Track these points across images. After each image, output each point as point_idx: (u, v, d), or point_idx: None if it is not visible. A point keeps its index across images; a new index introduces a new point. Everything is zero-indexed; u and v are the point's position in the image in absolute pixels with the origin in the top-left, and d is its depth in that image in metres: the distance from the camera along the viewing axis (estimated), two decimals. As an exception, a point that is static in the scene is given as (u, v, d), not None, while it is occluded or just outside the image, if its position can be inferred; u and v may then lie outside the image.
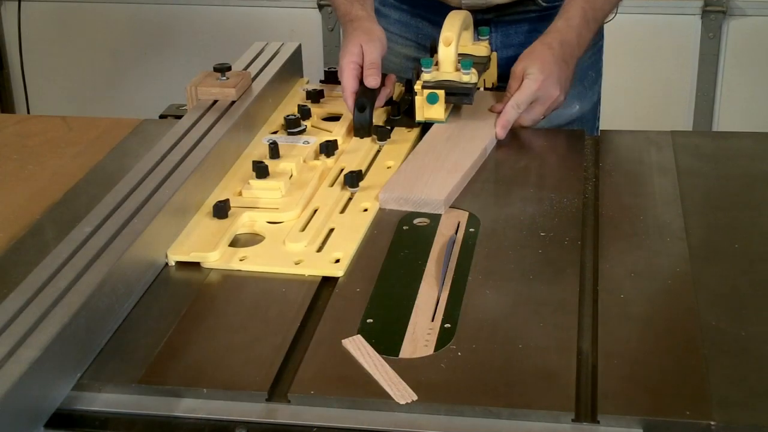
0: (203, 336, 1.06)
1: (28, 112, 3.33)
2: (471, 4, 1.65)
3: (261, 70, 1.62)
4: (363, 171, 1.38)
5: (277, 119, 1.55)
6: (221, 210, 1.26)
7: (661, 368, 0.98)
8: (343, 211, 1.30)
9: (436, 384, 0.97)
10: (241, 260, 1.19)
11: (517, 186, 1.36)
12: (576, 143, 1.48)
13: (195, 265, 1.19)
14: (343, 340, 1.03)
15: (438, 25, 1.50)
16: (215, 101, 1.51)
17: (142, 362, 1.02)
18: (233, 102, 1.50)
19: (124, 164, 1.40)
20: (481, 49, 1.57)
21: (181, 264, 1.19)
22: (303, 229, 1.24)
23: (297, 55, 1.71)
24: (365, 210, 1.29)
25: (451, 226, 1.25)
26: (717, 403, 0.93)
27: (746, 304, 1.09)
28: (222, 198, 1.28)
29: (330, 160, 1.41)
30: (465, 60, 1.47)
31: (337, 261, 1.18)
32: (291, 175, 1.35)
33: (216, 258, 1.19)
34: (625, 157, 1.43)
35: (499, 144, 1.48)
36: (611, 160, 1.42)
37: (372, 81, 1.50)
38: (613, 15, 1.64)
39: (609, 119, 2.38)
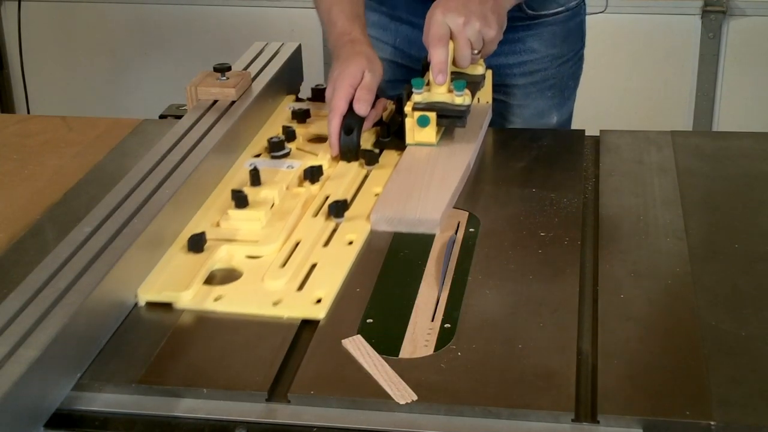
0: (203, 337, 1.07)
1: (28, 112, 3.33)
2: None
3: (261, 70, 1.62)
4: (349, 199, 1.31)
5: (261, 140, 1.47)
6: (197, 243, 1.18)
7: (661, 368, 0.98)
8: (327, 243, 1.22)
9: (436, 384, 0.97)
10: (216, 300, 1.11)
11: (517, 186, 1.36)
12: (576, 143, 1.48)
13: (166, 306, 1.11)
14: (343, 341, 1.03)
15: (418, 27, 1.47)
16: (215, 101, 1.51)
17: (142, 362, 1.02)
18: (233, 102, 1.50)
19: (124, 164, 1.40)
20: (476, 67, 1.48)
21: (151, 304, 1.12)
22: (283, 265, 1.16)
23: (297, 55, 1.71)
24: (350, 243, 1.22)
25: (451, 226, 1.25)
26: (717, 403, 0.93)
27: (746, 304, 1.09)
28: (199, 230, 1.21)
29: (315, 187, 1.34)
30: (458, 80, 1.40)
31: (319, 301, 1.10)
32: (273, 204, 1.28)
33: (189, 298, 1.11)
34: (625, 157, 1.43)
35: (500, 144, 1.48)
36: (611, 160, 1.42)
37: (363, 107, 1.42)
38: (604, 8, 1.63)
39: (609, 119, 2.38)
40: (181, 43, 3.23)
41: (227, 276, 1.17)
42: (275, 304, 1.10)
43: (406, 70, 1.72)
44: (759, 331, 1.04)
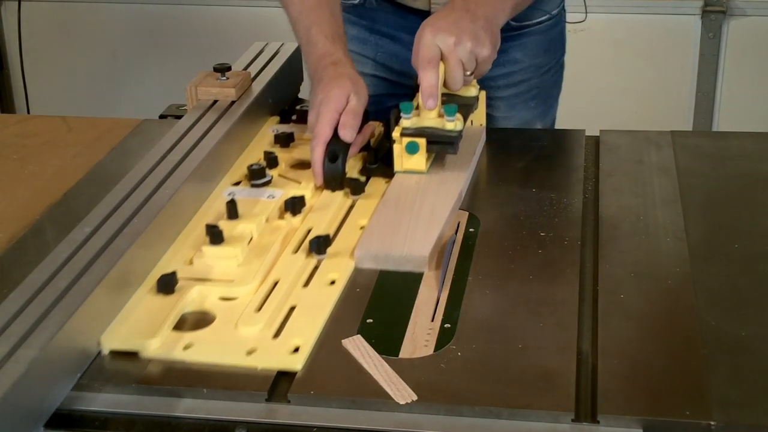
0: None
1: (28, 112, 3.33)
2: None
3: (261, 71, 1.62)
4: (333, 232, 1.23)
5: (242, 166, 1.39)
6: (167, 284, 1.10)
7: (661, 368, 0.98)
8: (307, 283, 1.13)
9: (436, 384, 0.97)
10: (185, 348, 1.03)
11: (517, 186, 1.36)
12: (576, 143, 1.48)
13: (132, 355, 1.03)
14: (343, 340, 1.03)
15: (399, 41, 1.45)
16: (215, 101, 1.51)
17: (142, 362, 1.02)
18: (233, 102, 1.50)
19: (124, 164, 1.40)
20: (469, 88, 1.40)
21: (116, 353, 1.03)
22: (259, 308, 1.08)
23: (297, 55, 1.71)
24: (332, 282, 1.13)
25: (451, 226, 1.25)
26: (717, 403, 0.93)
27: (746, 304, 1.09)
28: (170, 268, 1.13)
29: (296, 219, 1.25)
30: (449, 104, 1.31)
31: (296, 350, 1.02)
32: (251, 239, 1.20)
33: (157, 346, 1.03)
34: (625, 157, 1.43)
35: (500, 144, 1.48)
36: (611, 160, 1.42)
37: (349, 134, 1.33)
38: (584, 18, 1.59)
39: (609, 119, 2.38)
40: (181, 43, 3.23)
41: (199, 320, 1.08)
42: (249, 353, 1.01)
43: (388, 83, 1.69)
44: (759, 331, 1.04)
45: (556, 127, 1.80)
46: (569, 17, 1.79)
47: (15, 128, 1.63)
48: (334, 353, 1.02)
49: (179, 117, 1.52)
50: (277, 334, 1.04)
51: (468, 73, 1.34)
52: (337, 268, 1.16)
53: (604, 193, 1.33)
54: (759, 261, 1.18)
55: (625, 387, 0.96)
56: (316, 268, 1.16)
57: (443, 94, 1.35)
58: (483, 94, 1.45)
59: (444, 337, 1.04)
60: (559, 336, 1.03)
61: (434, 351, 1.02)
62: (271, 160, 1.38)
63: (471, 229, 1.25)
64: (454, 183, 1.32)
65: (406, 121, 1.32)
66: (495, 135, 1.53)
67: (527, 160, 1.44)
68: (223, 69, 1.54)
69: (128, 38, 3.30)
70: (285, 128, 1.50)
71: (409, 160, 1.34)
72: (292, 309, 1.08)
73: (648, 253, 1.18)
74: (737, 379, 0.97)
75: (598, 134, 1.50)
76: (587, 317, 1.08)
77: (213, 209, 1.29)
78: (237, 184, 1.36)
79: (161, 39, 3.27)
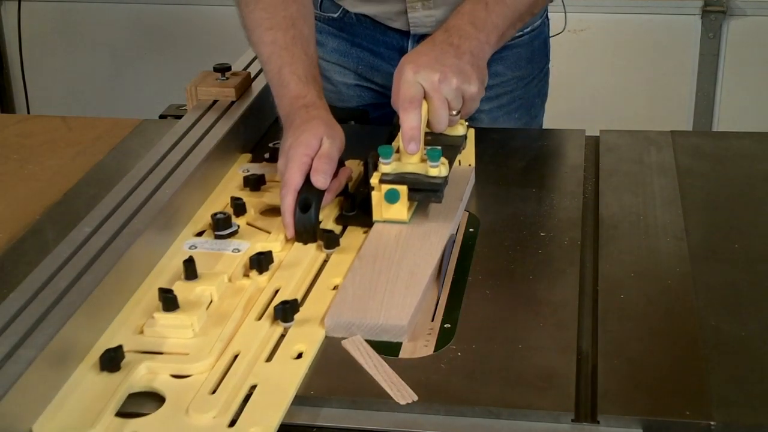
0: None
1: (28, 112, 3.33)
2: (422, 32, 1.53)
3: (261, 70, 1.62)
4: (303, 293, 1.11)
5: (205, 214, 1.26)
6: (111, 361, 0.98)
7: (661, 368, 0.98)
8: (270, 357, 1.01)
9: (436, 384, 0.97)
10: None
11: (517, 186, 1.36)
12: (576, 143, 1.48)
13: None
14: (343, 341, 1.03)
15: (381, 56, 1.39)
16: (215, 101, 1.51)
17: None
18: (233, 102, 1.50)
19: (124, 164, 1.40)
20: (457, 127, 1.28)
21: None
22: (214, 390, 0.95)
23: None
24: (299, 355, 1.01)
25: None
26: (717, 403, 0.93)
27: (746, 304, 1.09)
28: (116, 339, 1.02)
29: (262, 278, 1.13)
30: (433, 148, 1.19)
31: None
32: (210, 302, 1.08)
33: None
34: (625, 157, 1.43)
35: (499, 144, 1.48)
36: (611, 160, 1.42)
37: (322, 180, 1.21)
38: (563, 29, 1.54)
39: (609, 119, 2.38)
40: (181, 43, 3.23)
41: (147, 403, 0.96)
42: None
43: (374, 93, 1.65)
44: (759, 331, 1.04)
45: (556, 127, 1.80)
46: (568, 23, 1.78)
47: (15, 128, 1.63)
48: (335, 353, 1.02)
49: (179, 117, 1.52)
50: (233, 423, 0.92)
51: (454, 112, 1.24)
52: (306, 338, 1.03)
53: (604, 193, 1.33)
54: (759, 261, 1.18)
55: (625, 387, 0.96)
56: (283, 335, 1.04)
57: (427, 133, 1.24)
58: (472, 132, 1.34)
59: (444, 337, 1.04)
60: (559, 336, 1.03)
61: (434, 351, 1.02)
62: (238, 207, 1.26)
63: (471, 229, 1.25)
64: (438, 235, 1.19)
65: (386, 167, 1.20)
66: (495, 135, 1.53)
67: (527, 160, 1.44)
68: (223, 69, 1.55)
69: (128, 38, 3.30)
70: (256, 168, 1.38)
71: (389, 210, 1.21)
72: (253, 388, 0.96)
73: (648, 253, 1.18)
74: (737, 379, 0.97)
75: (598, 134, 1.50)
76: (587, 317, 1.08)
77: (172, 265, 1.16)
78: (200, 234, 1.24)
79: (161, 39, 3.27)
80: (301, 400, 0.96)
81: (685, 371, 0.98)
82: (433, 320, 1.07)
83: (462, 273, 1.15)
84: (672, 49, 3.01)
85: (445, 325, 1.06)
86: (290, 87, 1.33)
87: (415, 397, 0.95)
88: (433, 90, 1.21)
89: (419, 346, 1.02)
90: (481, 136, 1.38)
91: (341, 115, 1.39)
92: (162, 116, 1.65)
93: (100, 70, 3.36)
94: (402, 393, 0.95)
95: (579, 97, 2.98)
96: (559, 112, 1.84)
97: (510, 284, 1.13)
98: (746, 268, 1.16)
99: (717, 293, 1.11)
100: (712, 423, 0.91)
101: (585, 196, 1.32)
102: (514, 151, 1.47)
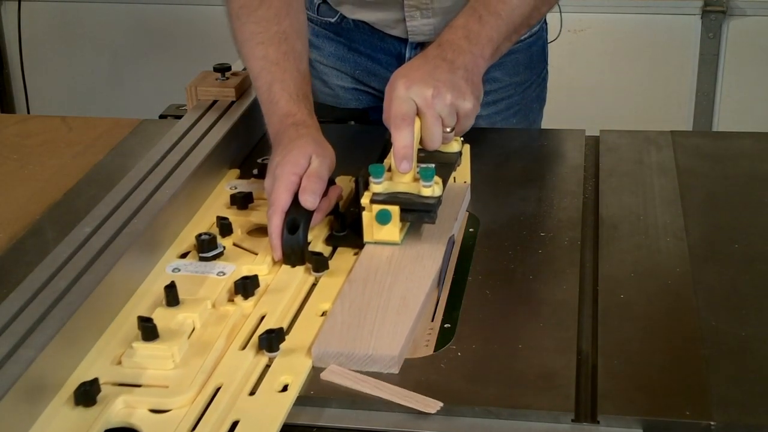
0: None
1: (28, 112, 3.33)
2: (420, 40, 1.52)
3: (261, 70, 1.61)
4: (290, 319, 1.07)
5: (190, 234, 1.21)
6: (86, 395, 0.93)
7: (661, 368, 0.98)
8: (254, 391, 0.95)
9: (436, 384, 0.97)
10: None
11: (517, 186, 1.36)
12: (576, 143, 1.48)
13: None
14: (321, 374, 0.98)
15: (378, 62, 1.38)
16: (215, 101, 1.51)
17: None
18: (233, 102, 1.50)
19: (124, 164, 1.40)
20: (452, 144, 1.24)
21: None
22: (194, 427, 0.90)
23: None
24: (284, 388, 0.96)
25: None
26: (717, 403, 0.93)
27: (746, 304, 1.09)
28: (92, 372, 0.96)
29: (248, 304, 1.08)
30: (426, 166, 1.15)
31: None
32: (192, 330, 1.03)
33: None
34: (625, 157, 1.43)
35: (500, 144, 1.48)
36: (611, 160, 1.42)
37: (310, 200, 1.17)
38: (557, 35, 1.53)
39: (609, 119, 2.37)
40: (181, 43, 3.23)
41: None
42: None
43: (372, 96, 1.64)
44: (759, 331, 1.04)
45: (556, 127, 1.80)
46: (568, 24, 1.78)
47: (15, 128, 1.63)
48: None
49: (179, 117, 1.52)
50: None
51: (448, 129, 1.20)
52: (291, 369, 0.98)
53: (604, 193, 1.33)
54: (759, 261, 1.18)
55: (625, 387, 0.96)
56: (268, 366, 0.99)
57: (420, 150, 1.19)
58: (467, 148, 1.29)
59: (444, 337, 1.03)
60: (559, 336, 1.03)
61: (434, 351, 1.02)
62: (224, 228, 1.21)
63: (471, 229, 1.25)
64: (432, 258, 1.15)
65: (377, 186, 1.15)
66: (495, 135, 1.53)
67: (527, 160, 1.44)
68: (223, 69, 1.55)
69: (128, 38, 3.30)
70: (244, 185, 1.34)
71: (381, 231, 1.16)
72: (235, 424, 0.91)
73: (648, 253, 1.18)
74: (737, 379, 0.97)
75: (598, 134, 1.50)
76: (587, 317, 1.08)
77: (154, 290, 1.11)
78: (185, 255, 1.19)
79: (161, 39, 3.27)
80: (300, 399, 0.96)
81: (685, 371, 0.98)
82: (433, 320, 1.07)
83: (462, 273, 1.15)
84: (672, 49, 3.01)
85: (445, 325, 1.06)
86: (280, 104, 1.29)
87: (440, 404, 0.93)
88: (426, 106, 1.17)
89: (419, 346, 1.02)
90: (481, 136, 1.38)
91: (341, 115, 1.39)
92: (162, 116, 1.65)
93: (100, 70, 3.36)
94: (424, 403, 0.94)
95: (579, 98, 2.98)
96: (558, 113, 1.84)
97: (510, 284, 1.13)
98: (746, 268, 1.16)
99: (717, 293, 1.11)
100: (712, 423, 0.91)
101: (585, 196, 1.32)
102: (514, 151, 1.47)
